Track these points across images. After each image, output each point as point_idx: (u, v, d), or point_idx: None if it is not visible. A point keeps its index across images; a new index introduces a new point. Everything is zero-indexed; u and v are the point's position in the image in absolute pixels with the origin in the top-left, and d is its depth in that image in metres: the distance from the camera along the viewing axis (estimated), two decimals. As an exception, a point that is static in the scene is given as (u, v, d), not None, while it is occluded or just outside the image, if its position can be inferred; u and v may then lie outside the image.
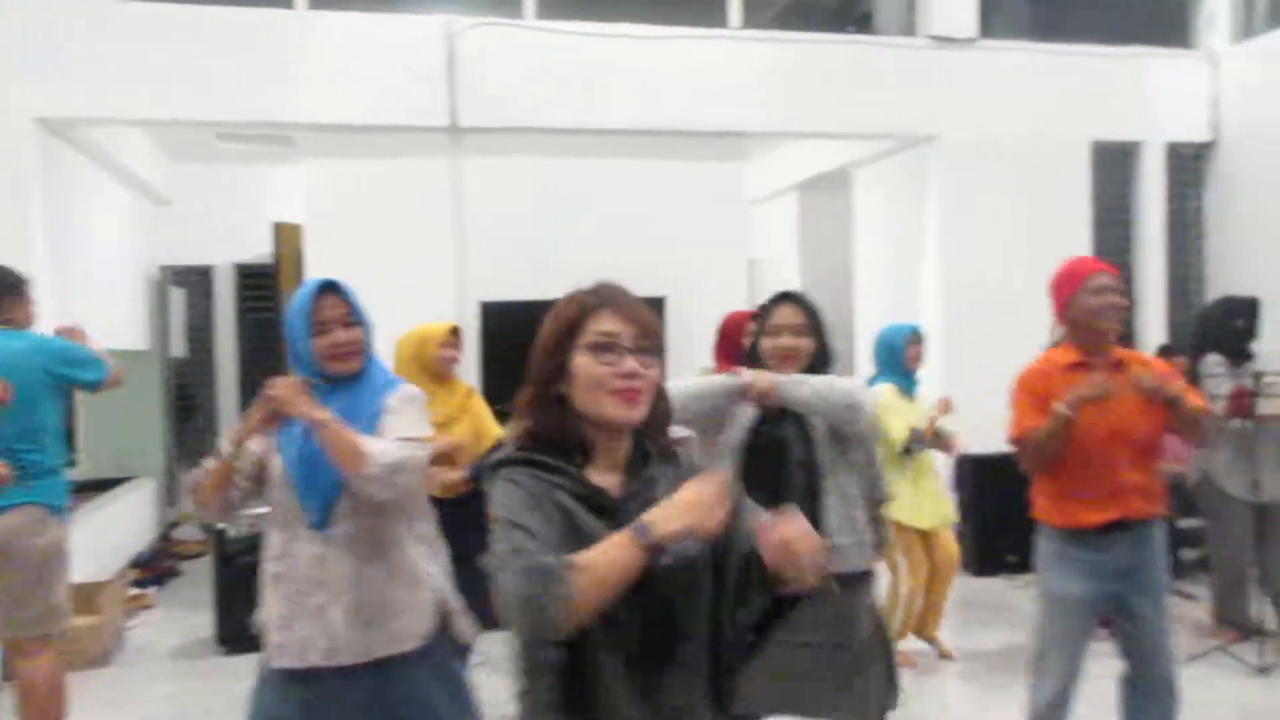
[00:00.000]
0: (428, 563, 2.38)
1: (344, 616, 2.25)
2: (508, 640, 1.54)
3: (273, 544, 2.36)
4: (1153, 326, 7.18)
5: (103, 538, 6.29)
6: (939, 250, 6.86)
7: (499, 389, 4.88)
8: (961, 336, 6.56)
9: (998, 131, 6.80)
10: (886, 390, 4.69)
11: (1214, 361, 4.90)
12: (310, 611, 2.27)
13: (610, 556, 1.38)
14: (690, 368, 5.11)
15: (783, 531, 1.42)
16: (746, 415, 2.76)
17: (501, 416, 4.16)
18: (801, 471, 2.70)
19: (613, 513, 1.50)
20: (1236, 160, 7.20)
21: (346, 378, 2.37)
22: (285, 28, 5.95)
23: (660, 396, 1.59)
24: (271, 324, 7.24)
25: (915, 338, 4.76)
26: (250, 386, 7.55)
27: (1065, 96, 6.93)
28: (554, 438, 1.55)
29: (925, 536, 4.75)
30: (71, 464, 4.24)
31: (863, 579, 2.76)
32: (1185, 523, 5.96)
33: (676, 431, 1.70)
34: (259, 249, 7.70)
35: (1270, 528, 4.89)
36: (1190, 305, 7.33)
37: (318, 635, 2.26)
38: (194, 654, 5.25)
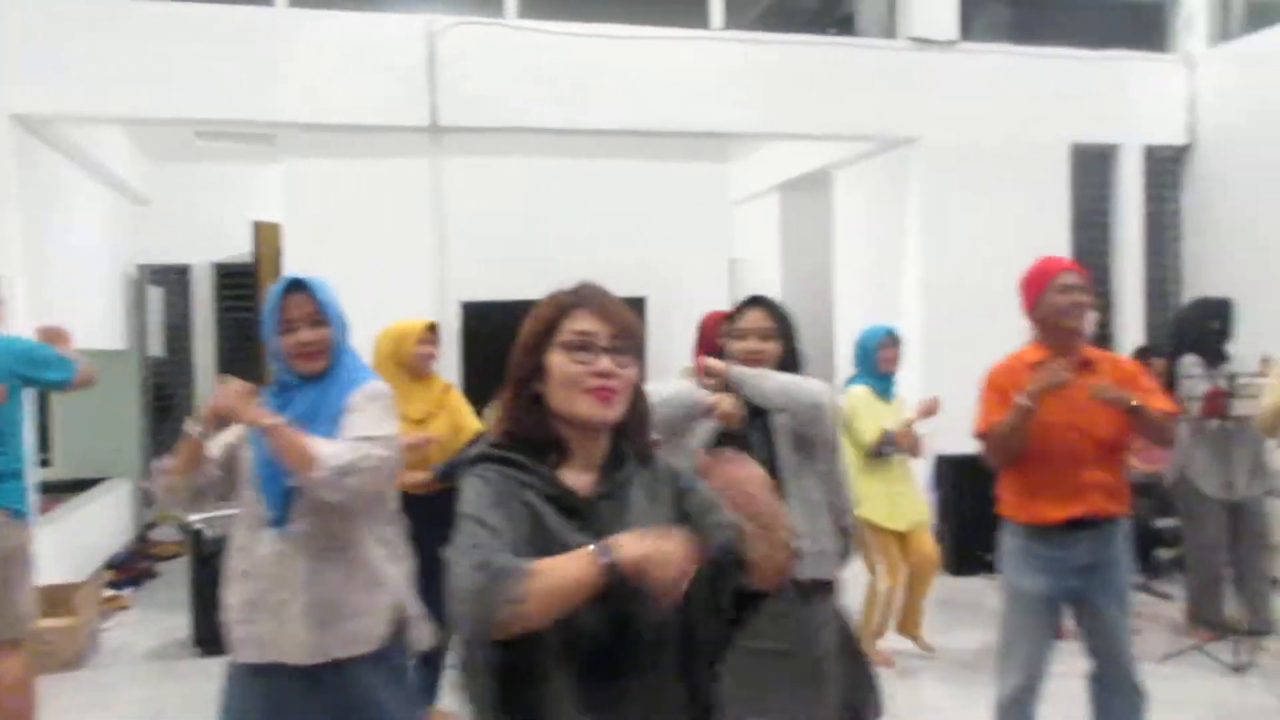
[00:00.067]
0: (387, 565, 2.36)
1: (301, 615, 2.25)
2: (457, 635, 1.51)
3: (238, 539, 2.36)
4: (1130, 328, 7.24)
5: (78, 539, 6.24)
6: (919, 251, 6.89)
7: (480, 389, 4.86)
8: (941, 337, 6.60)
9: (978, 133, 6.84)
10: (860, 392, 4.73)
11: (1191, 362, 4.94)
12: (270, 608, 2.27)
13: (565, 568, 1.35)
14: (671, 368, 5.13)
15: (730, 471, 1.39)
16: (707, 427, 2.77)
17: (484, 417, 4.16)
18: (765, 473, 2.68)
19: (583, 514, 1.49)
20: (1213, 163, 7.27)
21: (316, 375, 2.36)
22: (266, 26, 5.92)
23: (639, 397, 1.58)
24: (250, 324, 7.19)
25: (890, 340, 4.78)
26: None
27: (1044, 99, 6.98)
28: (529, 436, 1.54)
29: (902, 537, 4.77)
30: (44, 464, 4.20)
31: (825, 588, 2.72)
32: (1161, 523, 6.02)
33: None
34: (238, 248, 7.65)
35: (1244, 527, 4.95)
36: (1167, 307, 7.39)
37: (276, 632, 2.26)
38: (170, 656, 5.21)
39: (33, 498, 4.03)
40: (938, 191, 6.86)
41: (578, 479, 1.53)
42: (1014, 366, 3.12)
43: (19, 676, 3.62)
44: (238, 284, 8.16)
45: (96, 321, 6.94)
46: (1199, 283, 7.23)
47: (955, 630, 5.30)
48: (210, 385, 8.40)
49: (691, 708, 1.51)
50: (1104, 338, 7.06)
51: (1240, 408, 4.66)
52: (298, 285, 2.36)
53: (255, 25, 5.88)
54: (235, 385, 2.27)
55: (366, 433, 2.26)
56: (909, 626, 4.96)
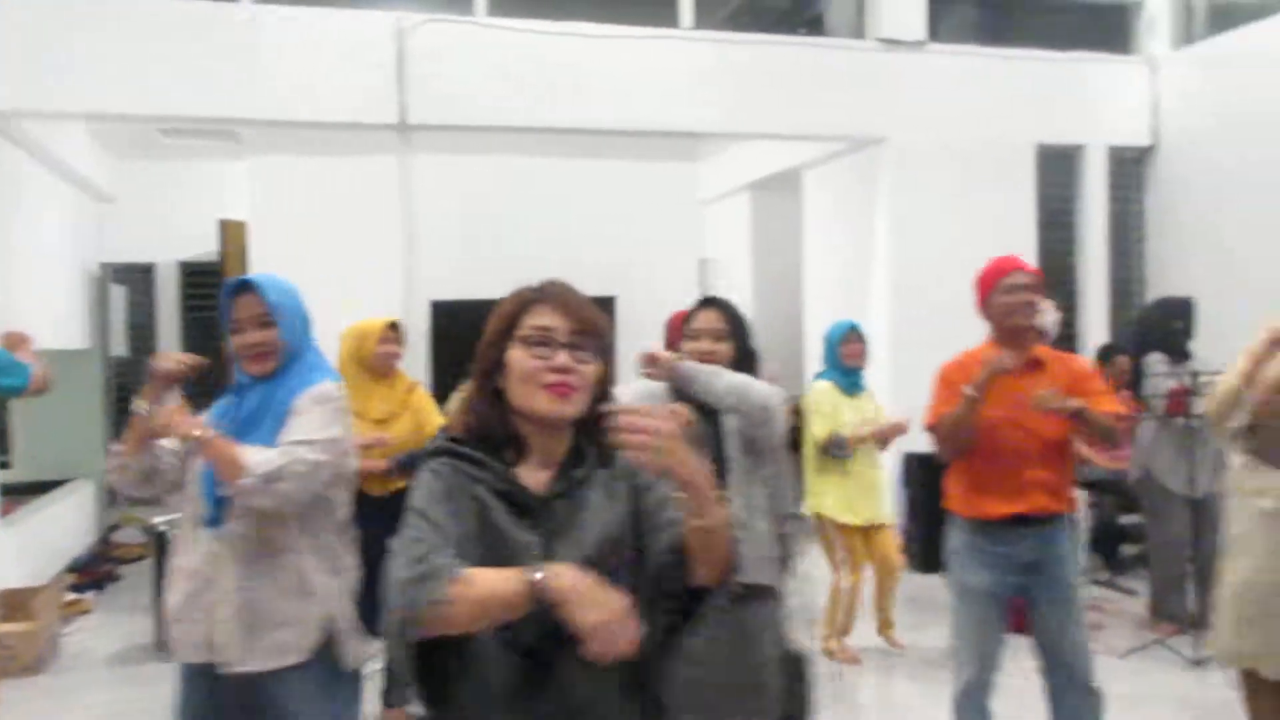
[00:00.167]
0: (321, 576, 2.29)
1: (230, 619, 2.22)
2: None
3: (181, 536, 2.35)
4: (1095, 326, 7.32)
5: (39, 541, 6.14)
6: (887, 251, 6.93)
7: (450, 389, 4.84)
8: (910, 336, 6.63)
9: (945, 134, 6.89)
10: (823, 387, 4.77)
11: (1157, 360, 5.02)
12: (202, 609, 2.25)
13: (493, 583, 1.34)
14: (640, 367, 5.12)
15: (633, 419, 1.36)
16: None
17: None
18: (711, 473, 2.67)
19: (534, 512, 1.48)
20: (1175, 165, 7.36)
21: (267, 376, 2.33)
22: (232, 21, 5.84)
23: (603, 395, 1.57)
24: (216, 323, 7.11)
25: (852, 335, 4.82)
26: (193, 387, 7.41)
27: (1011, 100, 7.04)
28: (489, 432, 1.54)
29: (866, 536, 4.80)
30: (3, 466, 4.12)
31: (765, 593, 2.69)
32: (1125, 519, 6.09)
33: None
34: (204, 246, 7.57)
35: (1206, 523, 5.01)
36: (1131, 306, 7.49)
37: (208, 634, 2.24)
38: (133, 660, 5.13)
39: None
40: (906, 191, 6.90)
41: (534, 476, 1.52)
42: (966, 363, 3.17)
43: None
44: (203, 283, 8.08)
45: (58, 320, 6.84)
46: (1162, 283, 7.32)
47: (925, 628, 5.33)
48: (174, 386, 8.32)
49: (634, 698, 1.49)
50: (1069, 336, 7.13)
51: (1202, 405, 4.72)
52: (245, 286, 2.33)
53: (222, 21, 5.80)
54: (172, 358, 2.31)
55: (305, 436, 2.22)
56: (880, 626, 5.00)
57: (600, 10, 6.49)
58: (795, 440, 4.52)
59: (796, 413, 4.70)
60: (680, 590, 1.48)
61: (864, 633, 5.02)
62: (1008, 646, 3.24)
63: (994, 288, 3.13)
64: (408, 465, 3.65)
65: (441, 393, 4.32)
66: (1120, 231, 7.59)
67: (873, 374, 4.97)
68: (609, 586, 1.35)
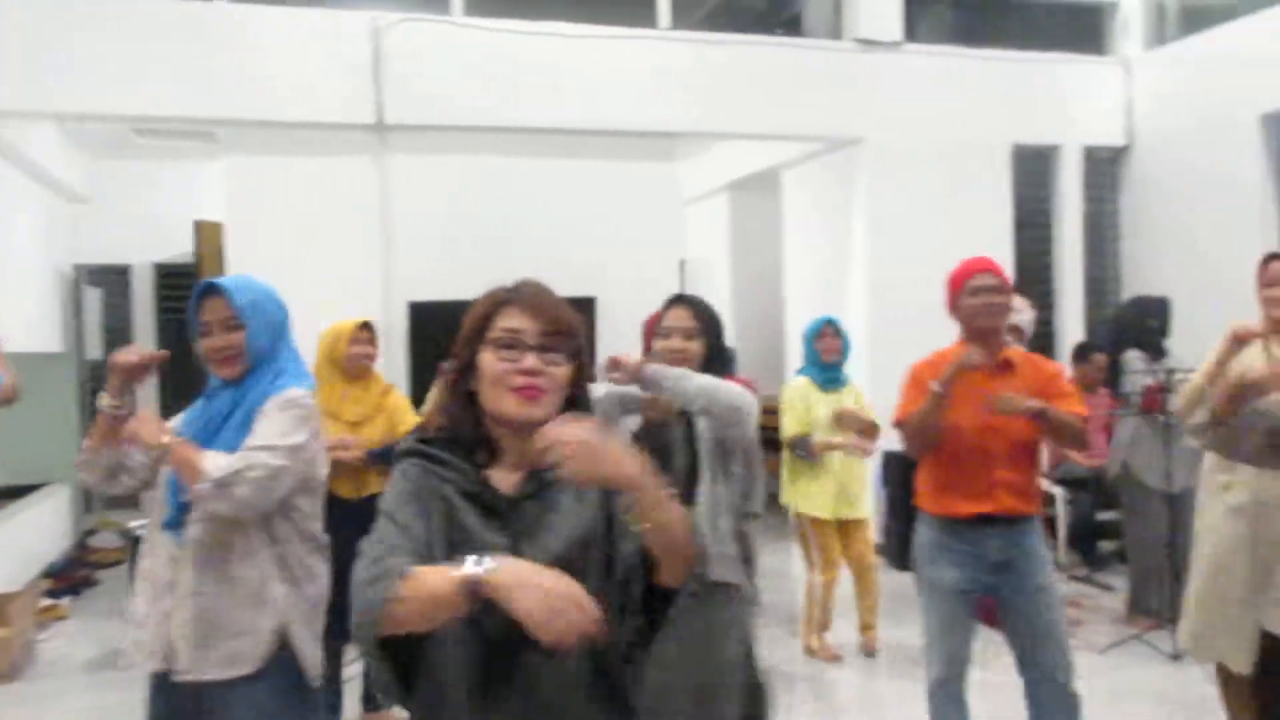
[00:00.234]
0: (278, 585, 2.24)
1: (185, 626, 2.19)
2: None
3: (149, 540, 2.33)
4: (1071, 325, 7.38)
5: (14, 546, 6.08)
6: (865, 250, 6.96)
7: (427, 390, 4.82)
8: (887, 335, 6.65)
9: (922, 134, 6.93)
10: (798, 384, 4.80)
11: (1134, 357, 5.07)
12: (159, 614, 2.23)
13: (430, 580, 1.30)
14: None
15: (551, 433, 1.33)
16: (634, 421, 2.75)
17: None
18: (681, 475, 2.66)
19: (503, 513, 1.48)
20: (1149, 165, 7.43)
21: (236, 379, 2.31)
22: (207, 20, 5.79)
23: (578, 396, 1.56)
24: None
25: (828, 329, 4.84)
26: (170, 389, 7.35)
27: (987, 100, 7.09)
28: (461, 434, 1.53)
29: (844, 532, 4.81)
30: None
31: (727, 591, 2.68)
32: (1103, 515, 6.14)
33: None
34: (180, 248, 7.50)
35: (1183, 518, 5.05)
36: (1106, 305, 7.55)
37: (162, 640, 2.22)
38: (110, 666, 5.06)
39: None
40: (883, 191, 6.93)
41: (505, 478, 1.52)
42: (936, 362, 3.19)
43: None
44: (179, 285, 8.02)
45: (31, 323, 6.76)
46: (1136, 282, 7.39)
47: (905, 625, 5.35)
48: (150, 389, 8.23)
49: (603, 693, 1.47)
50: (1046, 334, 7.18)
51: (1177, 402, 4.77)
52: (213, 289, 2.30)
53: (196, 19, 5.75)
54: (133, 352, 2.30)
55: (266, 441, 2.17)
56: (860, 627, 5.02)
57: (578, 10, 6.48)
58: (772, 438, 4.53)
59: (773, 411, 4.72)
60: (644, 592, 1.46)
61: (845, 630, 5.03)
62: (989, 643, 3.25)
63: (961, 289, 3.16)
64: (382, 458, 3.63)
65: (420, 394, 4.30)
66: (1095, 231, 7.66)
67: (850, 372, 4.98)
68: (560, 576, 1.28)
